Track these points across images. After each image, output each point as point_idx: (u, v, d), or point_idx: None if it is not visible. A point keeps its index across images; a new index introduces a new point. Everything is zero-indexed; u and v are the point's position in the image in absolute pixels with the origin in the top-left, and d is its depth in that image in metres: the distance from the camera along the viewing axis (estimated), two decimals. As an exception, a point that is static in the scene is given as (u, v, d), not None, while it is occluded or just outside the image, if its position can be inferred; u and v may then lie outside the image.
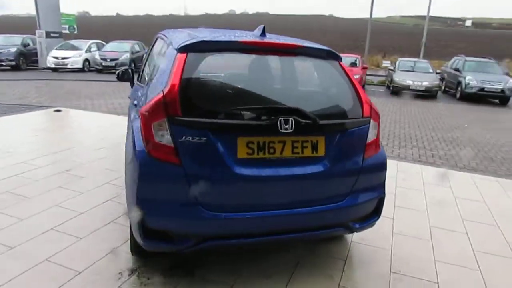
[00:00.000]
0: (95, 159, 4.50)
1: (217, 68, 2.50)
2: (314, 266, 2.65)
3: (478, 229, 3.40)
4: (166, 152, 1.99)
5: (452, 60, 16.83)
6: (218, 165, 2.04)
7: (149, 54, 3.38)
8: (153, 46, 3.32)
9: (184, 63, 2.11)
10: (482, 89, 13.70)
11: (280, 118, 2.10)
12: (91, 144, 5.14)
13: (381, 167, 2.52)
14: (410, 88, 14.12)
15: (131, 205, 2.12)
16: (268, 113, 2.11)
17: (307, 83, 2.76)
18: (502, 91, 13.57)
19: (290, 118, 2.11)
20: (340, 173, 2.33)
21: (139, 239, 2.12)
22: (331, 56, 2.53)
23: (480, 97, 13.83)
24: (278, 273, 2.53)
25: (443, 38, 43.17)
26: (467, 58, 15.51)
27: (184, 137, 1.98)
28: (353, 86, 2.49)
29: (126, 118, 3.15)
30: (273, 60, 2.72)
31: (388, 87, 16.27)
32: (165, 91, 2.01)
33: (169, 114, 1.98)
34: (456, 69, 15.18)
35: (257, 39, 2.37)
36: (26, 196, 3.36)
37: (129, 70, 3.78)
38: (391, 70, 16.33)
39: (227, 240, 2.20)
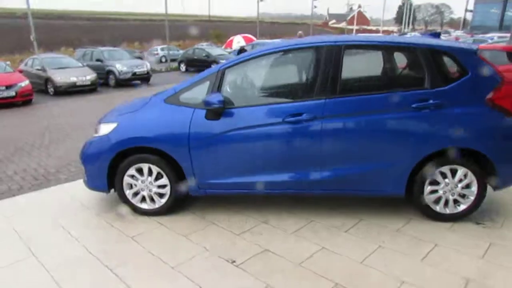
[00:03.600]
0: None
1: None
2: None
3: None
4: None
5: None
6: None
7: (339, 67, 3.15)
8: (341, 59, 3.16)
9: None
10: (134, 74, 15.53)
11: None
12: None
13: None
14: (77, 84, 13.48)
15: None
16: None
17: None
18: (147, 72, 16.18)
19: None
20: None
21: None
22: None
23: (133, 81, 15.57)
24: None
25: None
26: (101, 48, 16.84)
27: None
28: None
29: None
30: None
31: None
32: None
33: None
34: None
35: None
36: None
37: None
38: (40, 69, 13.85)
39: None
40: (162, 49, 32.10)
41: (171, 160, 3.40)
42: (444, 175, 3.24)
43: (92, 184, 3.64)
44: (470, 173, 3.20)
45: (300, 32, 15.09)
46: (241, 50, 15.05)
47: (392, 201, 3.62)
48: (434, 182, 3.26)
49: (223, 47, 27.70)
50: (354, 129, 3.19)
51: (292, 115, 3.17)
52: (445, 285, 2.52)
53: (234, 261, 2.83)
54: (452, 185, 3.24)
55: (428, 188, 3.27)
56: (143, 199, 3.56)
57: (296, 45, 3.43)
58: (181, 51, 31.55)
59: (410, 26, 63.74)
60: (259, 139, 3.26)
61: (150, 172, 3.46)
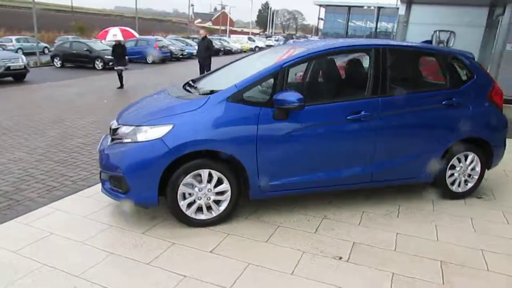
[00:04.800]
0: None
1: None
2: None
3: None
4: None
5: None
6: None
7: (388, 67, 3.47)
8: (389, 60, 3.49)
9: None
10: (8, 68, 12.89)
11: None
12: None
13: None
14: None
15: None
16: None
17: None
18: (25, 67, 13.48)
19: None
20: None
21: None
22: None
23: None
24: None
25: None
26: None
27: None
28: None
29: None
30: None
31: None
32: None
33: None
34: None
35: None
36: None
37: None
38: None
39: None
40: (18, 41, 27.54)
41: (233, 164, 3.18)
42: (459, 160, 3.88)
43: (137, 198, 3.12)
44: (476, 157, 3.91)
45: (201, 31, 14.92)
46: (117, 46, 13.47)
47: (407, 187, 4.11)
48: (452, 167, 3.88)
49: (92, 39, 25.20)
50: (402, 124, 3.57)
51: (353, 112, 3.35)
52: None
53: (341, 258, 2.87)
54: (465, 167, 3.91)
55: (448, 172, 3.87)
56: (199, 209, 3.23)
57: (353, 46, 3.62)
58: (42, 44, 27.68)
59: (272, 29, 69.01)
60: (325, 137, 3.36)
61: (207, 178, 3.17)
